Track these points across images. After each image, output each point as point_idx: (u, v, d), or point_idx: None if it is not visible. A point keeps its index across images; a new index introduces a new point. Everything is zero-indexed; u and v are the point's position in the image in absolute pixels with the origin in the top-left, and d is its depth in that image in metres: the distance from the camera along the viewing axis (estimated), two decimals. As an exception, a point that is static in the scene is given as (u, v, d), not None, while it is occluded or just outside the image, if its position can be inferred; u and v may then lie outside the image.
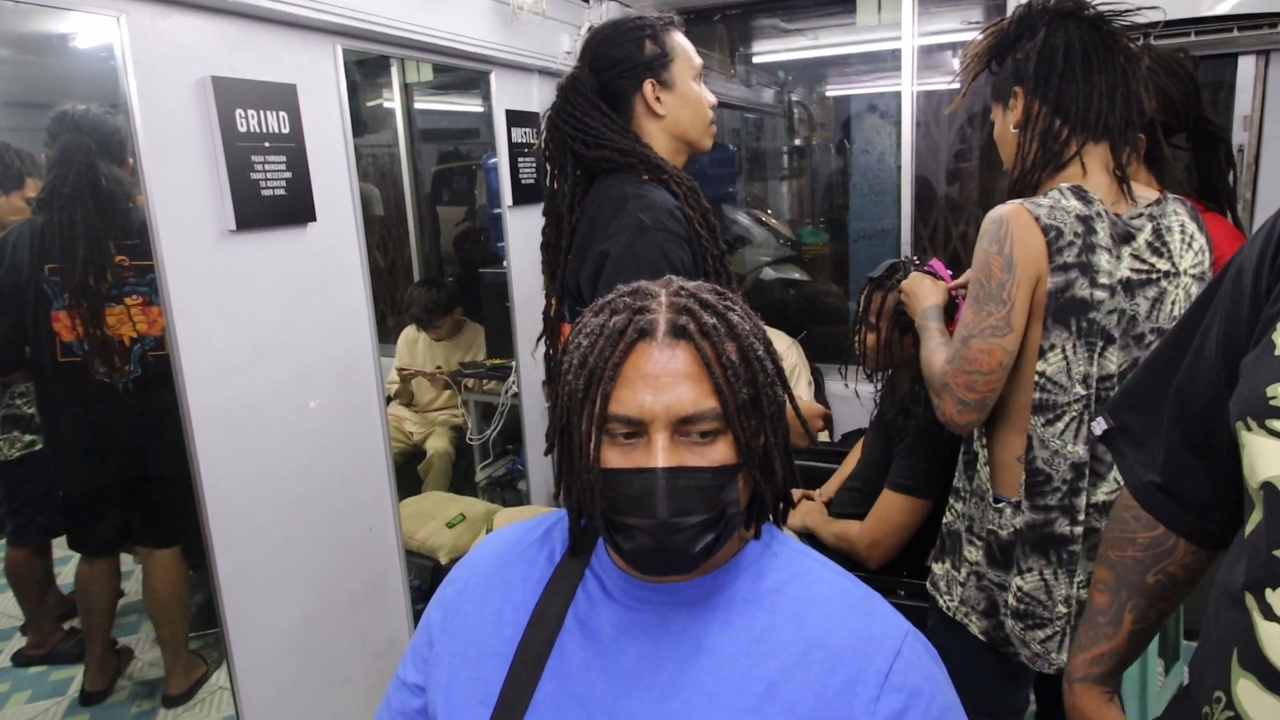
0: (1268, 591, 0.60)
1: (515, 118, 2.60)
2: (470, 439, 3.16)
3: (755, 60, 3.66)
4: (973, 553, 1.29)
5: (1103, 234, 1.13)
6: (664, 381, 0.69)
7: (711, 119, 1.44)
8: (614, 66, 1.37)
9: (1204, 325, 0.77)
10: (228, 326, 1.67)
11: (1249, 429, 0.63)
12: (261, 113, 1.65)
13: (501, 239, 2.76)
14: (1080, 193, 1.15)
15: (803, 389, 2.83)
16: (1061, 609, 1.20)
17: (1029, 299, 1.14)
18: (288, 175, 1.72)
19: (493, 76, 2.52)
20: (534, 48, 2.54)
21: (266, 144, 1.67)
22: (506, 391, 2.95)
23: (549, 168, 1.43)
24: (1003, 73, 1.26)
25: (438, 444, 3.20)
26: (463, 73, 2.54)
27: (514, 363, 2.85)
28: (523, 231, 2.70)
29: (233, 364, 1.68)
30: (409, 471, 3.14)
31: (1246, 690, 0.61)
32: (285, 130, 1.71)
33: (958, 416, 1.20)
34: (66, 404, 1.76)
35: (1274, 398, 0.61)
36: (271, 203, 1.69)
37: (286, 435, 1.82)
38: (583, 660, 0.75)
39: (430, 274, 3.51)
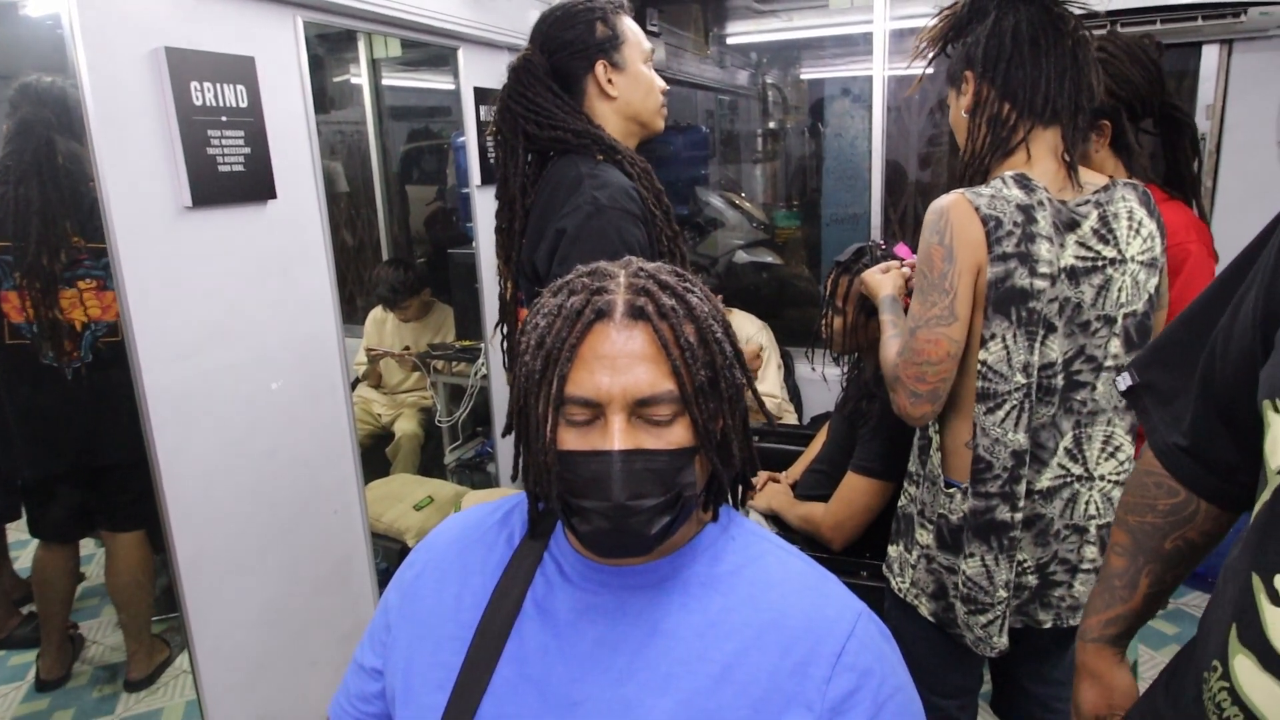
0: (1276, 576, 0.59)
1: (484, 95, 2.56)
2: (439, 421, 3.14)
3: (729, 41, 3.64)
4: (924, 536, 1.30)
5: (1044, 223, 1.13)
6: (621, 363, 0.68)
7: (662, 102, 1.45)
8: (566, 48, 1.37)
9: (1243, 286, 0.72)
10: (185, 305, 1.63)
11: (1276, 409, 0.61)
12: (218, 86, 1.61)
13: (470, 219, 2.72)
14: (1023, 181, 1.15)
15: (772, 371, 2.85)
16: (1002, 593, 1.22)
17: (972, 288, 1.15)
18: (246, 151, 1.68)
19: (460, 53, 2.47)
20: (503, 24, 2.49)
21: (223, 118, 1.62)
22: (476, 373, 2.93)
23: (498, 151, 1.42)
24: (955, 57, 1.26)
25: (406, 426, 3.18)
26: (432, 48, 2.49)
27: (483, 344, 2.83)
28: (492, 211, 2.66)
29: (190, 344, 1.64)
30: (377, 454, 3.12)
31: (1244, 666, 0.61)
32: (243, 104, 1.67)
33: (911, 409, 1.20)
34: (14, 387, 1.72)
35: None
36: (229, 179, 1.65)
37: (247, 417, 1.79)
38: (540, 644, 0.75)
39: (399, 254, 3.46)
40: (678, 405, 0.69)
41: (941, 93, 3.08)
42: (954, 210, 1.14)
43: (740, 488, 0.82)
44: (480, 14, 2.40)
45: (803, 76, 3.71)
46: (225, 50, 1.63)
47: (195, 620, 1.70)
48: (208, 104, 1.58)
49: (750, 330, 2.97)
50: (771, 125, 3.85)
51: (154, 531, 1.82)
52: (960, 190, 1.16)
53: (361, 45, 3.17)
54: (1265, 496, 0.63)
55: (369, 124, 3.30)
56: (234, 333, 1.74)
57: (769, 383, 2.83)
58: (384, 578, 2.36)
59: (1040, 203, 1.14)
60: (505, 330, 1.53)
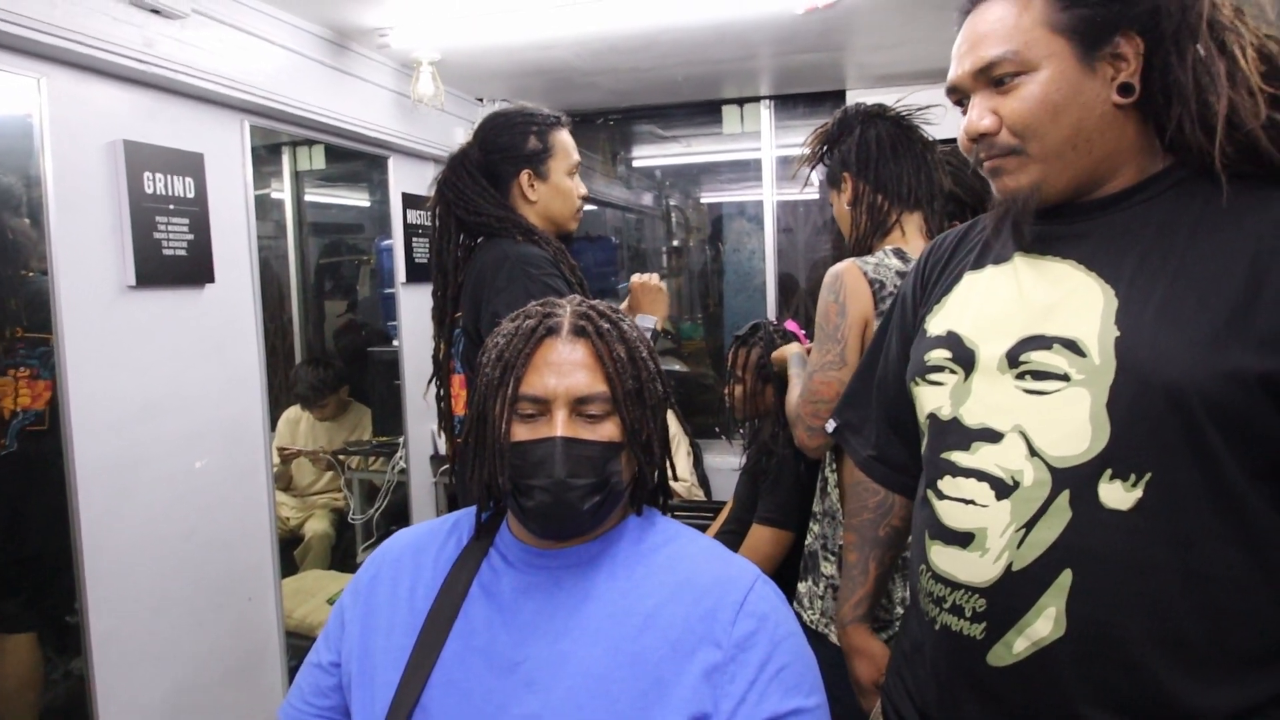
0: (938, 481, 0.87)
1: (411, 200, 2.76)
2: (352, 518, 3.12)
3: (635, 164, 4.00)
4: (828, 568, 1.46)
5: None
6: (565, 368, 0.84)
7: (579, 208, 1.67)
8: (498, 151, 1.58)
9: (886, 339, 1.09)
10: (120, 381, 1.68)
11: (916, 384, 0.93)
12: (169, 177, 1.73)
13: (393, 318, 2.85)
14: (900, 253, 1.41)
15: (682, 456, 3.01)
16: (899, 610, 1.38)
17: (860, 338, 1.37)
18: (190, 237, 1.79)
19: (390, 162, 2.68)
20: (431, 137, 2.73)
21: (171, 206, 1.74)
22: (393, 468, 2.96)
23: (434, 223, 1.60)
24: (833, 163, 1.54)
25: (317, 526, 3.14)
26: (353, 164, 2.67)
27: (402, 438, 2.89)
28: (415, 309, 2.80)
29: (122, 418, 1.69)
30: (285, 556, 3.04)
31: (936, 551, 0.86)
32: (190, 195, 1.79)
33: (808, 441, 1.39)
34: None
35: (929, 361, 0.91)
36: (172, 262, 1.75)
37: (171, 494, 1.81)
38: (486, 619, 0.86)
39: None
40: (609, 405, 0.85)
41: (825, 213, 3.49)
42: (847, 274, 1.38)
43: (660, 497, 0.97)
44: (410, 127, 2.63)
45: (703, 199, 4.08)
46: (178, 146, 1.78)
47: (103, 706, 1.65)
48: (158, 192, 1.71)
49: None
50: (675, 243, 4.17)
51: (45, 635, 1.77)
52: (851, 259, 1.40)
53: (286, 159, 3.32)
54: (924, 443, 0.92)
55: (289, 235, 3.40)
56: (165, 409, 1.79)
57: (680, 467, 2.98)
58: (294, 677, 2.30)
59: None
60: (440, 388, 1.65)
